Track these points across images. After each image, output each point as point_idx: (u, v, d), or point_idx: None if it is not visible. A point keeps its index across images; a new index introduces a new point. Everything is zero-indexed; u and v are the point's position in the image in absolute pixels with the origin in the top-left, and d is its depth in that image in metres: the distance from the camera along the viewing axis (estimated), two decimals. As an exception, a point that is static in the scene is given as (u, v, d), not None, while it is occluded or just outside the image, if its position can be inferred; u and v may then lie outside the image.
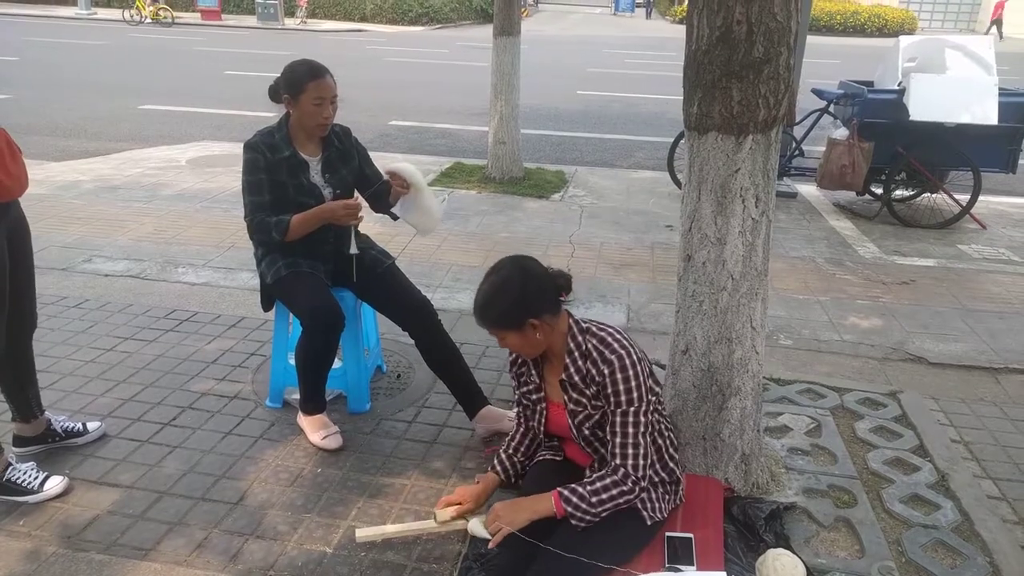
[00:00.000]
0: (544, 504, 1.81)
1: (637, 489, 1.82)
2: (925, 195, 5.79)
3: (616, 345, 1.82)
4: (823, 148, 5.63)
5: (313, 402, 2.64)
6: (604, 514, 1.80)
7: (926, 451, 2.63)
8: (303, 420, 2.66)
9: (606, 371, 1.79)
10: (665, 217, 5.43)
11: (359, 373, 2.80)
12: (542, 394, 1.98)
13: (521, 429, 2.13)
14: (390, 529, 2.15)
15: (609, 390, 1.80)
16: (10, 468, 2.27)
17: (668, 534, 1.94)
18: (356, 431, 2.70)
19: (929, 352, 3.50)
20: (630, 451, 1.81)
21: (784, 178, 6.25)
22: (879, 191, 5.73)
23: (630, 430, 1.81)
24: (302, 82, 2.47)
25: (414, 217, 2.73)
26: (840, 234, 5.33)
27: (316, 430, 2.60)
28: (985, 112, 5.13)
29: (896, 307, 4.03)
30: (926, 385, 3.19)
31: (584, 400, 1.87)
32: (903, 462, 2.57)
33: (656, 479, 1.98)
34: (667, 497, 1.98)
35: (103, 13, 25.32)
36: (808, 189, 6.41)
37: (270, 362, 2.89)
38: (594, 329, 1.87)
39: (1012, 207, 6.19)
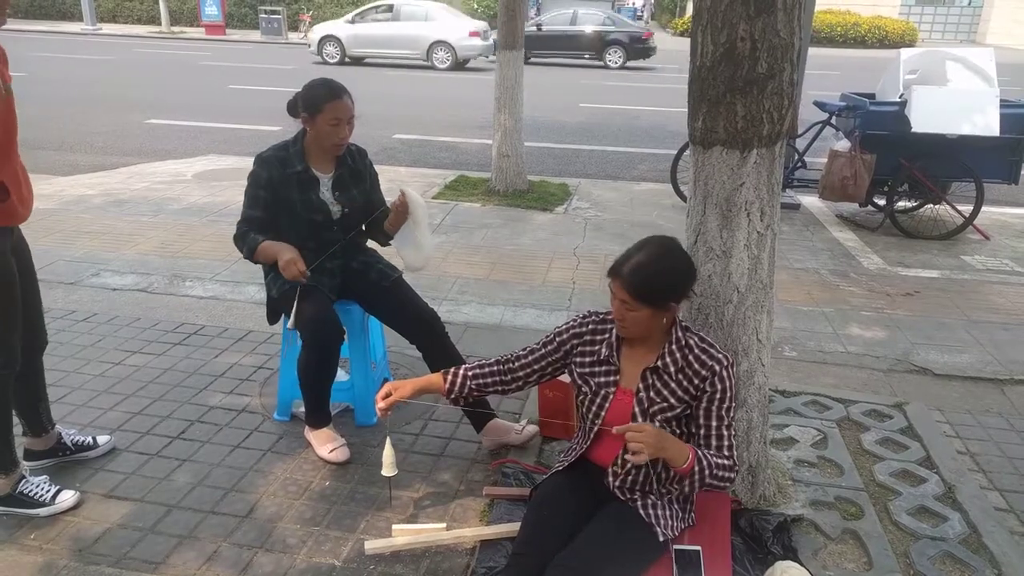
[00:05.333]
0: (683, 451, 1.79)
1: (735, 476, 1.88)
2: (928, 206, 5.81)
3: (719, 349, 1.92)
4: (825, 160, 5.66)
5: (317, 415, 2.65)
6: (701, 489, 1.86)
7: (933, 463, 2.64)
8: (310, 434, 2.67)
9: (716, 367, 1.87)
10: (668, 229, 5.45)
11: (366, 386, 2.81)
12: (617, 378, 1.95)
13: (492, 368, 2.12)
14: (399, 541, 2.17)
15: (717, 386, 1.87)
16: (23, 481, 2.29)
17: (676, 547, 1.94)
18: (363, 444, 2.71)
19: (934, 363, 3.50)
20: (728, 434, 1.89)
21: (787, 190, 6.28)
22: (882, 202, 5.75)
23: (726, 418, 1.89)
24: (320, 102, 2.48)
25: (406, 250, 2.72)
26: (843, 245, 5.35)
27: (323, 443, 2.61)
28: (987, 123, 5.16)
29: (900, 318, 4.04)
30: (931, 396, 3.20)
31: (666, 392, 1.88)
32: (910, 474, 2.58)
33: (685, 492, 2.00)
34: (681, 515, 1.99)
35: (108, 28, 25.54)
36: (811, 200, 6.44)
37: (278, 375, 2.91)
38: (691, 328, 1.95)
39: (1015, 218, 6.20)
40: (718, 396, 1.88)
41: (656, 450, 1.74)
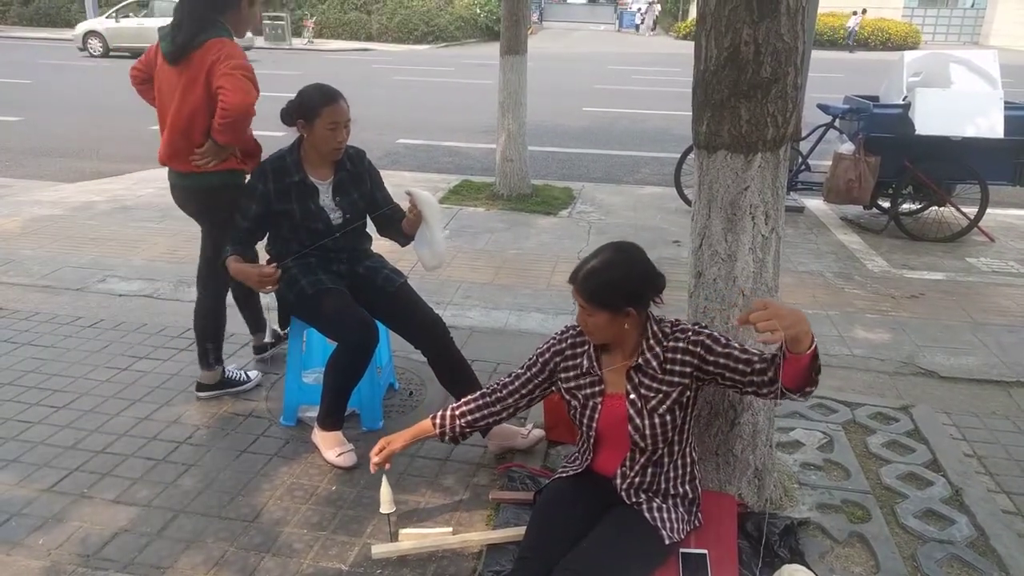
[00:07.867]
0: (809, 335, 1.65)
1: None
2: (932, 208, 5.80)
3: (684, 322, 1.95)
4: (829, 162, 5.66)
5: (333, 417, 2.65)
6: (813, 382, 1.73)
7: (939, 465, 2.63)
8: (318, 436, 2.67)
9: (696, 337, 1.86)
10: (672, 232, 5.45)
11: (372, 391, 2.82)
12: (601, 387, 1.95)
13: (479, 402, 2.13)
14: (405, 546, 2.17)
15: (706, 341, 1.86)
16: (224, 371, 3.06)
17: (683, 551, 1.95)
18: (369, 449, 2.70)
19: (940, 366, 3.50)
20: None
21: (791, 192, 6.27)
22: (886, 205, 5.75)
23: (737, 342, 1.88)
24: (316, 107, 2.49)
25: (422, 251, 2.72)
26: (848, 248, 5.34)
27: (331, 447, 2.62)
28: (991, 125, 5.16)
29: (906, 321, 4.03)
30: (937, 399, 3.19)
31: (655, 384, 1.87)
32: (916, 477, 2.57)
33: (691, 495, 2.01)
34: (686, 518, 1.99)
35: (113, 35, 25.63)
36: (815, 203, 6.43)
37: (284, 380, 2.92)
38: (664, 319, 1.95)
39: (1020, 220, 6.18)
40: (720, 344, 1.85)
41: (791, 324, 1.61)
